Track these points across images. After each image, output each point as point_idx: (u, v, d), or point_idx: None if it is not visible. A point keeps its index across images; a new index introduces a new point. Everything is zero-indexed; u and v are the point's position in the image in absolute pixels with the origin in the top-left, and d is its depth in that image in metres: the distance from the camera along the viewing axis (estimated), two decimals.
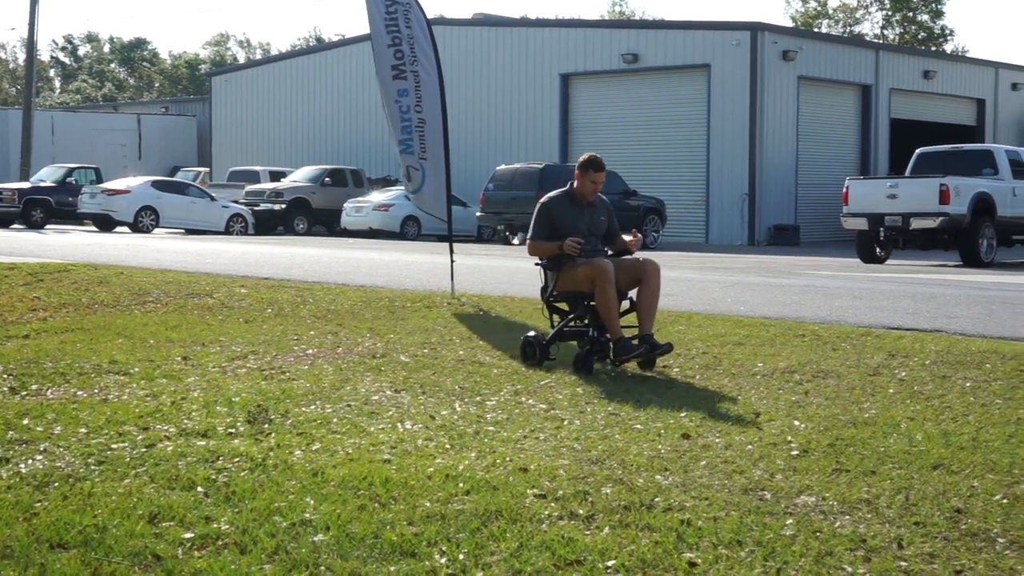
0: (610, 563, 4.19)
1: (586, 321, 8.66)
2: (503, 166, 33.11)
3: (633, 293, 8.81)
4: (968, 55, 60.78)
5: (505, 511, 4.77)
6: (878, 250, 24.02)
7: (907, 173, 25.33)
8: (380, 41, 13.81)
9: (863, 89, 39.48)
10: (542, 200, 8.97)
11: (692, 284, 15.90)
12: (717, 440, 6.22)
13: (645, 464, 5.63)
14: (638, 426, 6.55)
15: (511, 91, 41.00)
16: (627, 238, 9.02)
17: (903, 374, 8.27)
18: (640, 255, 9.03)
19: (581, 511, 4.82)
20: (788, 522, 4.72)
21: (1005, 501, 5.06)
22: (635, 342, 8.38)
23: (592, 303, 8.53)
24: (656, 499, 5.01)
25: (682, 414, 6.89)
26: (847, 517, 4.83)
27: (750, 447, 6.04)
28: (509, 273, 17.71)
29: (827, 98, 38.42)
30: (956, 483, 5.35)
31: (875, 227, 23.53)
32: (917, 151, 25.83)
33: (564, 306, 8.91)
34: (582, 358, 8.40)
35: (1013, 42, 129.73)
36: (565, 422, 6.65)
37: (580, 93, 39.86)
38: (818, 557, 4.30)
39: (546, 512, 4.79)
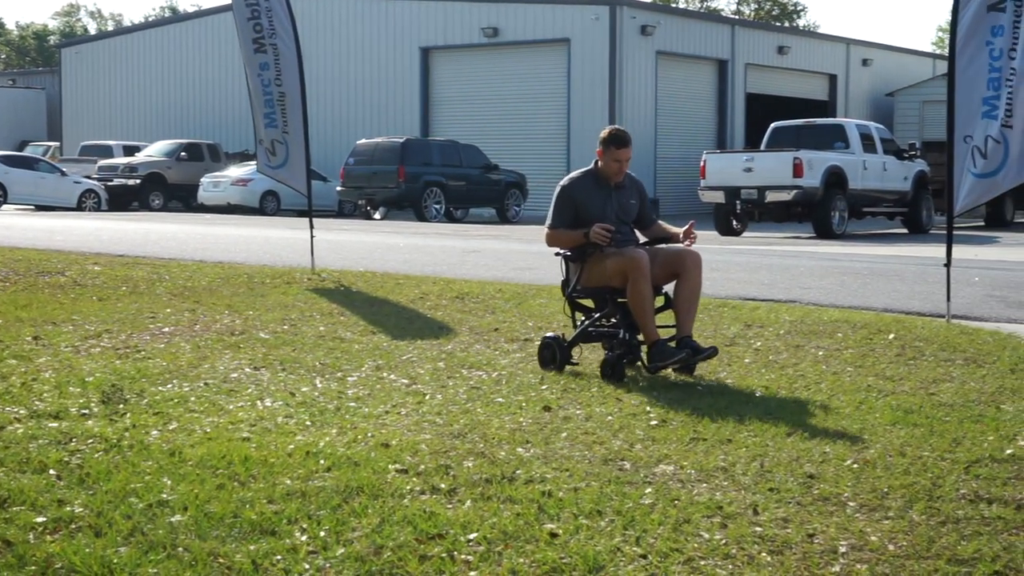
0: (472, 536, 4.20)
1: (615, 320, 7.50)
2: (364, 140, 32.89)
3: (670, 288, 7.66)
4: (820, 31, 62.15)
5: (367, 487, 4.74)
6: (735, 223, 24.51)
7: (762, 147, 25.86)
8: (240, 14, 13.58)
9: (720, 64, 40.13)
10: (562, 183, 7.82)
11: (553, 257, 15.97)
12: (578, 412, 6.27)
13: (507, 437, 5.66)
14: (500, 399, 6.58)
15: (371, 65, 40.69)
16: (676, 230, 7.76)
17: (758, 344, 8.44)
18: (679, 244, 7.73)
19: (443, 485, 4.82)
20: (647, 491, 4.78)
21: (855, 466, 5.21)
22: (672, 345, 7.30)
23: (622, 300, 7.40)
24: (518, 471, 5.03)
25: (543, 387, 6.93)
26: (704, 485, 4.91)
27: (610, 418, 6.11)
28: (370, 248, 17.62)
29: (685, 73, 38.97)
30: (809, 449, 5.48)
31: (731, 200, 23.99)
32: (772, 125, 26.38)
33: (588, 303, 7.72)
34: (612, 363, 7.25)
35: (862, 18, 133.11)
36: (427, 396, 6.64)
37: (440, 67, 39.75)
38: (676, 525, 4.37)
39: (408, 487, 4.77)
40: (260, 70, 13.53)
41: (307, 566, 3.93)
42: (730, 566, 3.99)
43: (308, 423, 5.93)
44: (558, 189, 7.79)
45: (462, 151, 32.42)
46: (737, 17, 40.47)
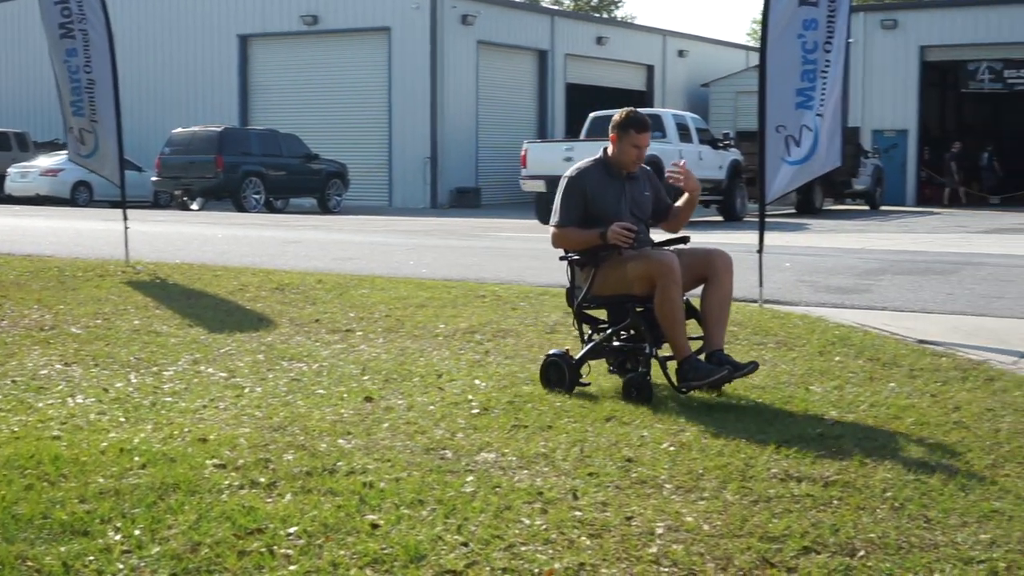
0: (292, 530, 4.15)
1: (631, 333, 6.60)
2: (180, 129, 32.20)
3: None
4: (637, 23, 63.25)
5: (183, 483, 4.64)
6: None
7: (582, 136, 26.21)
8: None
9: (540, 54, 40.51)
10: (568, 174, 6.78)
11: (375, 247, 15.94)
12: (400, 402, 6.25)
13: (328, 429, 5.61)
14: (321, 391, 6.52)
15: (187, 52, 39.85)
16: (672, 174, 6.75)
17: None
18: (705, 244, 7.02)
19: (262, 479, 4.75)
20: (469, 479, 4.79)
21: (672, 449, 5.32)
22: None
23: (641, 309, 6.48)
24: (339, 463, 4.99)
25: (365, 378, 6.89)
26: (525, 471, 4.95)
27: (432, 407, 6.11)
28: (187, 240, 17.25)
29: (505, 63, 39.20)
30: (627, 434, 5.57)
31: (553, 189, 24.17)
32: (591, 115, 26.77)
33: (597, 313, 6.82)
34: (638, 384, 6.35)
35: (678, 10, 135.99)
36: (246, 390, 6.53)
37: (259, 55, 39.18)
38: (498, 511, 4.39)
39: (226, 482, 4.69)
40: (67, 56, 13.08)
41: (121, 566, 3.82)
42: (550, 551, 4.03)
43: (122, 419, 5.77)
44: (564, 181, 6.78)
45: (282, 140, 32.00)
46: (556, 8, 40.98)
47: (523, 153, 25.03)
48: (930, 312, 10.00)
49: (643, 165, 6.82)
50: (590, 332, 6.76)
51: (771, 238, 12.16)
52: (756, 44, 48.46)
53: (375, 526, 4.23)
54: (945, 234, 21.60)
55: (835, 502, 4.58)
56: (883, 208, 34.43)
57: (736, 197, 26.78)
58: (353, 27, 37.18)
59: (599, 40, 43.01)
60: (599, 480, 4.83)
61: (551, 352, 6.72)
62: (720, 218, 26.92)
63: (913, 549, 4.08)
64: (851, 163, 31.47)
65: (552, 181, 23.79)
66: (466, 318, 9.05)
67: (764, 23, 9.94)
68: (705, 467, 5.02)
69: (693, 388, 6.32)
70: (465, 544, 4.07)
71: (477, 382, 6.78)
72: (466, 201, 35.79)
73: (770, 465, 5.06)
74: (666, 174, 6.85)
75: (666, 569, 3.90)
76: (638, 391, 6.30)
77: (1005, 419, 5.97)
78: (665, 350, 6.47)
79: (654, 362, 6.43)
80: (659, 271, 6.28)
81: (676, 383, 6.35)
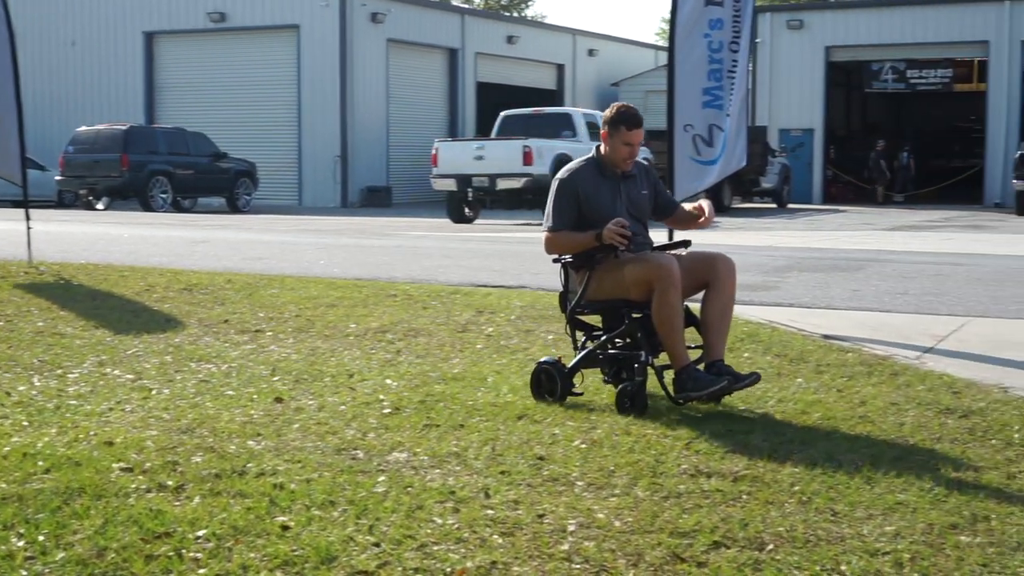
0: (201, 533, 4.09)
1: (627, 340, 6.25)
2: (84, 128, 31.70)
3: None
4: (547, 22, 63.44)
5: (89, 487, 4.56)
6: (467, 210, 24.83)
7: (493, 135, 26.26)
8: None
9: (450, 53, 40.48)
10: (560, 176, 6.45)
11: (285, 247, 15.81)
12: (310, 402, 6.21)
13: (237, 430, 5.55)
14: (230, 392, 6.45)
15: (92, 49, 39.22)
16: (688, 206, 6.61)
17: (490, 329, 8.56)
18: (706, 247, 6.65)
19: (170, 482, 4.68)
20: (380, 479, 4.77)
21: (583, 446, 5.34)
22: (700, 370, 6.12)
23: (638, 315, 6.15)
24: (248, 465, 4.94)
25: (275, 378, 6.83)
26: (437, 471, 4.94)
27: (343, 407, 6.07)
28: (92, 240, 16.97)
29: (416, 61, 39.12)
30: (539, 432, 5.59)
31: (463, 188, 24.28)
32: (502, 114, 26.86)
33: (591, 320, 6.51)
34: (632, 395, 6.00)
35: (588, 10, 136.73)
36: (154, 392, 6.44)
37: (166, 52, 38.69)
38: (409, 511, 4.37)
39: (133, 485, 4.62)
40: None
41: (24, 573, 3.75)
42: (462, 550, 4.02)
43: (25, 423, 5.66)
44: (556, 183, 6.44)
45: (190, 139, 31.63)
46: (467, 7, 40.98)
47: (434, 152, 25.03)
48: (836, 308, 10.16)
49: (640, 161, 6.56)
50: (583, 339, 6.42)
51: (680, 236, 12.25)
52: (665, 44, 48.91)
53: (285, 528, 4.19)
54: (851, 232, 21.98)
55: (744, 497, 4.63)
56: (790, 206, 34.96)
57: None
58: (261, 24, 36.86)
59: (509, 39, 43.09)
60: (511, 478, 4.83)
61: (542, 360, 6.40)
62: None
63: (821, 542, 4.13)
64: (759, 162, 31.90)
65: (464, 180, 24.12)
66: (377, 317, 9.01)
67: (672, 23, 10.02)
68: (616, 464, 5.04)
69: (691, 399, 6.04)
70: (377, 544, 4.04)
71: (388, 381, 6.75)
72: (377, 200, 35.67)
73: (680, 461, 5.10)
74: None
75: (578, 566, 3.91)
76: (632, 401, 5.98)
77: (909, 413, 6.08)
78: (663, 359, 6.21)
79: (650, 371, 6.12)
80: (658, 275, 5.96)
81: (673, 394, 6.08)
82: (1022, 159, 29.51)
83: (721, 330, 6.13)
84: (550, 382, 6.27)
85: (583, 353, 6.31)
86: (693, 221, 6.53)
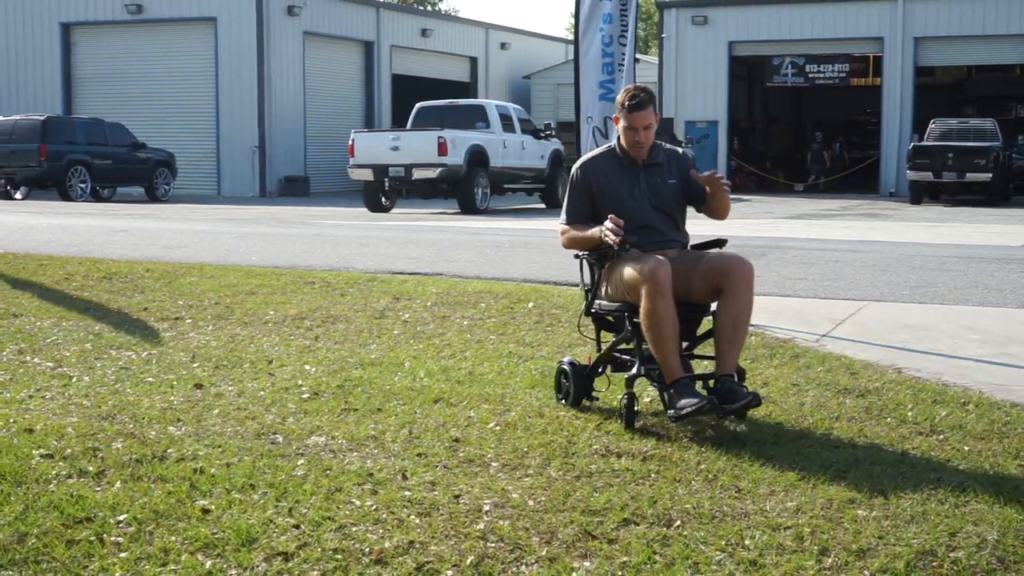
0: (122, 517, 4.16)
1: (633, 346, 5.77)
2: (1, 118, 31.21)
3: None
4: (461, 16, 63.34)
5: (9, 474, 4.60)
6: (383, 199, 24.90)
7: (408, 126, 26.33)
8: None
9: (366, 45, 40.43)
10: (574, 167, 6.07)
11: (204, 236, 15.75)
12: (230, 388, 6.28)
13: (158, 416, 5.61)
14: (150, 379, 6.49)
15: (7, 41, 38.65)
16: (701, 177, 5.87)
17: (407, 316, 8.66)
18: (723, 249, 6.00)
19: (91, 468, 4.73)
20: (300, 463, 4.87)
21: (498, 428, 5.48)
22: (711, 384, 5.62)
23: (638, 320, 5.59)
24: (169, 450, 5.01)
25: (195, 365, 6.89)
26: (355, 454, 5.05)
27: (262, 393, 6.15)
28: (10, 229, 16.74)
29: (332, 54, 39.03)
30: (455, 415, 5.71)
31: (380, 178, 24.32)
32: (417, 106, 26.96)
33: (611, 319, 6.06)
34: (623, 405, 5.61)
35: (501, 4, 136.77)
36: (74, 379, 6.47)
37: (83, 44, 38.26)
38: (328, 494, 4.48)
39: (54, 472, 4.67)
40: None
41: None
42: (380, 530, 4.13)
43: None
44: (571, 173, 6.08)
45: (108, 129, 31.28)
46: (381, 0, 40.94)
47: (351, 142, 25.02)
48: None
49: (673, 148, 6.09)
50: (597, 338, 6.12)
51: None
52: (572, 37, 49.18)
53: (206, 511, 4.27)
54: (754, 220, 22.32)
55: (653, 476, 4.79)
56: None
57: (558, 185, 27.26)
58: (178, 16, 36.59)
59: (424, 32, 43.14)
60: (427, 460, 4.95)
61: (563, 361, 6.08)
62: (543, 205, 27.39)
63: (726, 518, 4.31)
64: None
65: (380, 170, 24.16)
66: (295, 304, 9.07)
67: (576, 17, 10.21)
68: (530, 445, 5.18)
69: (681, 418, 5.36)
70: (296, 526, 4.14)
71: (307, 367, 6.84)
72: (295, 190, 35.56)
73: (592, 442, 5.26)
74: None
75: (493, 544, 4.04)
76: (622, 415, 5.59)
77: (809, 393, 6.29)
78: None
79: (648, 383, 5.82)
80: (642, 278, 5.46)
81: (666, 407, 5.52)
82: (915, 150, 30.15)
83: (732, 341, 5.54)
84: (567, 383, 5.99)
85: (599, 355, 6.01)
86: (717, 196, 5.90)
